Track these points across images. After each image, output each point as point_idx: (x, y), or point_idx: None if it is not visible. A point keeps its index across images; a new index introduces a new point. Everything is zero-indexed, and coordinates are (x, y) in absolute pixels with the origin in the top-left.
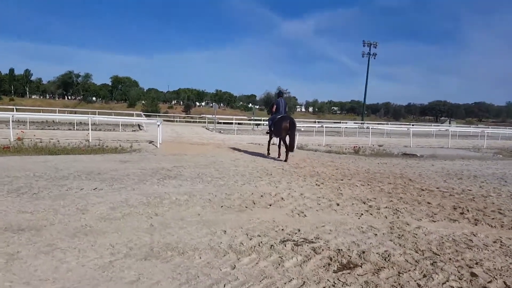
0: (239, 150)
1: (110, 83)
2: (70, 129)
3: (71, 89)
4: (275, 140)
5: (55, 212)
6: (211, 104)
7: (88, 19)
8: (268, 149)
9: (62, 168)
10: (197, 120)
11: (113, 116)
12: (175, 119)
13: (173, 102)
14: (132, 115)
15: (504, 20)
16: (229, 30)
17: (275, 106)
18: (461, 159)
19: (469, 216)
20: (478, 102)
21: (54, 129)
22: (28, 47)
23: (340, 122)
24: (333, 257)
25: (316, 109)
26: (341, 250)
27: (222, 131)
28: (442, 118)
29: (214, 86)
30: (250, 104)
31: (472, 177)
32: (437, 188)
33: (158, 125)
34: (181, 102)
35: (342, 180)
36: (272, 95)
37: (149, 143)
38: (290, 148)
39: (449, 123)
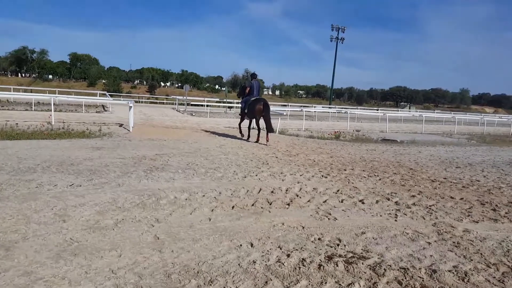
0: (219, 134)
1: (68, 61)
2: (27, 110)
3: (25, 66)
4: (247, 122)
5: (27, 220)
6: (178, 85)
7: None
8: (241, 131)
9: (26, 157)
10: (164, 102)
11: (77, 96)
12: (140, 100)
13: (136, 81)
14: (95, 94)
15: (459, 11)
16: (195, 8)
17: (248, 88)
18: (441, 145)
19: (504, 214)
20: (435, 88)
21: (9, 109)
22: None
23: (311, 106)
24: (402, 280)
25: (283, 93)
26: (406, 269)
27: (194, 114)
28: (402, 103)
29: (179, 66)
30: (218, 86)
31: (468, 165)
32: (445, 178)
33: (130, 106)
34: (144, 82)
35: (345, 170)
36: (239, 77)
37: (119, 126)
38: (268, 129)
39: (409, 108)
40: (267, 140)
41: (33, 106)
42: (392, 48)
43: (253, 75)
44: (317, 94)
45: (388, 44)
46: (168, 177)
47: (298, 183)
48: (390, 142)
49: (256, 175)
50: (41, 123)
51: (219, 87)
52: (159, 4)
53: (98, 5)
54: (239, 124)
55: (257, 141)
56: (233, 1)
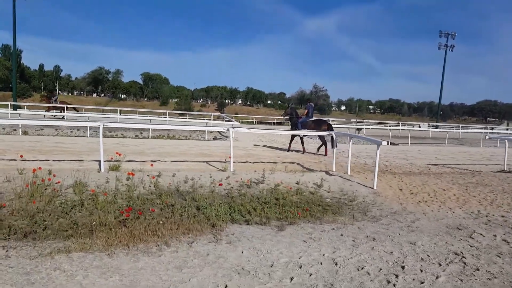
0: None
1: (140, 80)
2: (137, 136)
3: (101, 86)
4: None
5: None
6: (239, 102)
7: (115, 19)
8: (289, 147)
9: None
10: (254, 121)
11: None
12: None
13: (200, 100)
14: (167, 114)
15: None
16: (252, 29)
17: (306, 111)
18: None
19: None
20: None
21: (118, 136)
22: (56, 45)
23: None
24: None
25: (356, 108)
26: None
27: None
28: (490, 119)
29: (240, 84)
30: (279, 102)
31: None
32: None
33: (380, 144)
34: (208, 100)
35: None
36: (306, 92)
37: (326, 173)
38: (333, 146)
39: (507, 125)
40: (326, 153)
41: (150, 133)
42: (456, 61)
43: (309, 99)
44: (391, 109)
45: (453, 57)
46: None
47: None
48: None
49: None
50: (216, 162)
51: (282, 103)
52: (218, 28)
53: (161, 30)
54: (290, 141)
55: (321, 153)
56: (288, 19)
